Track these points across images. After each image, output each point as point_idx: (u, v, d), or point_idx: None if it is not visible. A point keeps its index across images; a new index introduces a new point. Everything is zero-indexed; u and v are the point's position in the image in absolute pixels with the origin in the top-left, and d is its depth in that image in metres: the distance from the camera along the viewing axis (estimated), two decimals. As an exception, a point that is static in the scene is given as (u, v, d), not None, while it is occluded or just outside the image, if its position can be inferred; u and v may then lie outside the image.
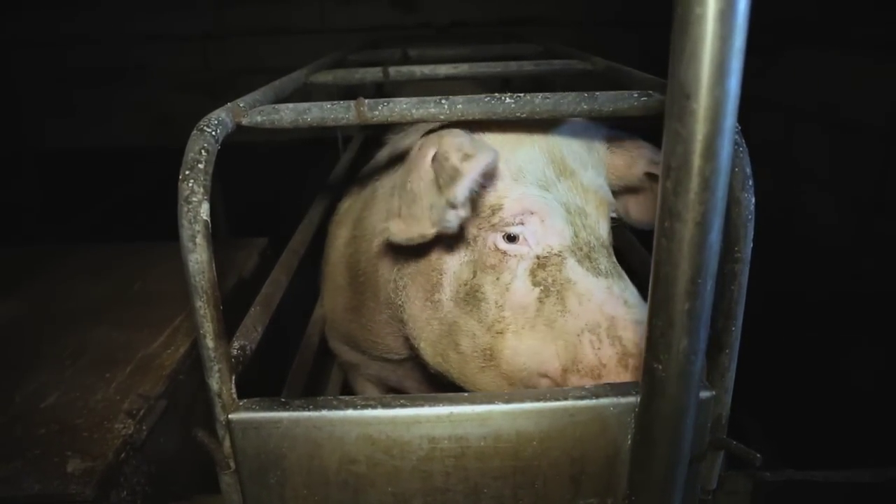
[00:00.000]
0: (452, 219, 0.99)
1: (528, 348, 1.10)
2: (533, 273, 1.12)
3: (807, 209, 3.12)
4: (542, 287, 1.11)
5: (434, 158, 1.04)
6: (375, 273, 1.41)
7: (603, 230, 1.18)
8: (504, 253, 1.13)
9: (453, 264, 1.18)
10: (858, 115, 2.72)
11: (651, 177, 1.27)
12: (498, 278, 1.13)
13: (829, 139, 2.93)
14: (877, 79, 2.61)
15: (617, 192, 1.31)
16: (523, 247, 1.13)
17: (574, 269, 1.11)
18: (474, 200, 1.12)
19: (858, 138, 2.72)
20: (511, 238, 1.13)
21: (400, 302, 1.30)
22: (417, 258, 1.24)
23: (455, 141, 1.01)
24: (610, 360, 1.03)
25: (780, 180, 3.25)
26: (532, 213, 1.12)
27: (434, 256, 1.21)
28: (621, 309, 1.06)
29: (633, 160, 1.28)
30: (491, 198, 1.14)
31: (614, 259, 1.17)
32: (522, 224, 1.12)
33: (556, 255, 1.12)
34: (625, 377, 1.01)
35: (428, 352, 1.26)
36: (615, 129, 1.32)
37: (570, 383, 1.05)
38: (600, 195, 1.19)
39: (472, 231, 1.16)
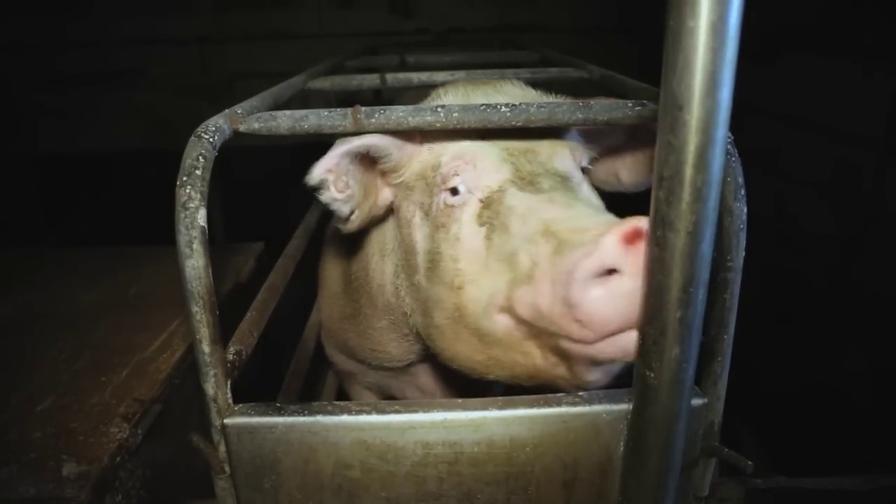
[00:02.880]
0: (339, 209, 1.11)
1: (485, 289, 1.02)
2: (479, 216, 1.09)
3: (802, 216, 3.13)
4: (488, 225, 1.06)
5: None
6: (367, 276, 1.40)
7: (558, 164, 1.15)
8: (451, 207, 1.12)
9: (420, 241, 1.18)
10: (854, 122, 2.74)
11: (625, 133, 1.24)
12: (449, 232, 1.10)
13: (825, 146, 2.94)
14: (873, 86, 2.62)
15: (604, 158, 1.29)
16: (465, 195, 1.11)
17: (514, 196, 1.06)
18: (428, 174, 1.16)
19: (855, 145, 2.73)
20: (454, 192, 1.12)
21: (406, 310, 1.27)
22: (396, 246, 1.28)
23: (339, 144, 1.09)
24: (542, 258, 0.92)
25: (776, 187, 3.27)
26: (465, 162, 1.11)
27: (407, 242, 1.22)
28: (560, 212, 0.99)
29: None
30: (433, 161, 1.15)
31: (569, 183, 1.12)
32: (458, 174, 1.11)
33: (496, 191, 1.09)
34: (561, 267, 0.88)
35: (433, 341, 1.18)
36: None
37: (519, 300, 0.94)
38: (559, 139, 1.17)
39: (426, 202, 1.16)
